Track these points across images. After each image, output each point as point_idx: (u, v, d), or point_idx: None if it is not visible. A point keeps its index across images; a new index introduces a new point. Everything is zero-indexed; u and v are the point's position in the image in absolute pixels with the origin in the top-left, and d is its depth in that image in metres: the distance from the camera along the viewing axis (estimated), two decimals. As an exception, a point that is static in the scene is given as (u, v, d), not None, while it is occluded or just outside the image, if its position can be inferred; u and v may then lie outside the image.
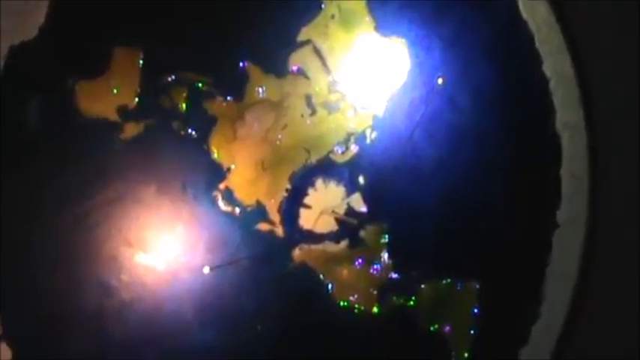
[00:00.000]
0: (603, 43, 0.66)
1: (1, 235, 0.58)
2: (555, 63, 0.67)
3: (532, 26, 0.66)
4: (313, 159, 0.64)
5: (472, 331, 0.67)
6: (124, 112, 0.60)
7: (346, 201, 0.64)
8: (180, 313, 0.61)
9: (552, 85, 0.67)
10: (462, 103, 0.65)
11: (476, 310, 0.67)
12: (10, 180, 0.58)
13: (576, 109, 0.67)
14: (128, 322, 0.60)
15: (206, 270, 0.60)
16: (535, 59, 0.66)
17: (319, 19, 0.63)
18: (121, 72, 0.60)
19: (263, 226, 0.63)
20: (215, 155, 0.62)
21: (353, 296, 0.65)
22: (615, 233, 0.66)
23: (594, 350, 0.68)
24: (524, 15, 0.66)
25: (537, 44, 0.66)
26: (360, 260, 0.65)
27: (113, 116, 0.60)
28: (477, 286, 0.67)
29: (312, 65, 0.63)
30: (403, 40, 0.64)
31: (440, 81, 0.62)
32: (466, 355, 0.67)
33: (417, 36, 0.64)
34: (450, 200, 0.66)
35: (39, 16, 0.59)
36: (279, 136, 0.63)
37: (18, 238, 0.59)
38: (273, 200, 0.63)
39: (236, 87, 0.62)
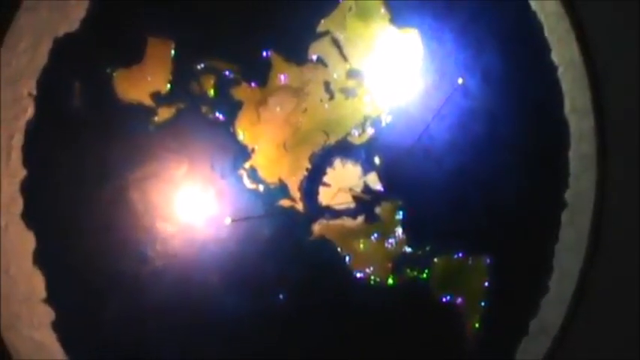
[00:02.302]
0: (609, 30, 0.69)
1: (49, 204, 0.64)
2: (563, 51, 0.70)
3: (541, 16, 0.69)
4: (332, 140, 0.68)
5: (483, 303, 0.70)
6: (157, 98, 0.66)
7: (363, 180, 0.68)
8: (208, 280, 0.67)
9: (560, 71, 0.70)
10: (474, 89, 0.69)
11: (487, 283, 0.70)
12: (58, 156, 0.64)
13: (584, 94, 0.70)
14: (161, 288, 0.66)
15: (227, 221, 0.64)
16: (544, 47, 0.69)
17: (337, 12, 0.67)
18: (155, 60, 0.66)
19: (285, 202, 0.68)
20: (241, 137, 0.67)
21: (369, 268, 0.69)
22: (621, 211, 0.69)
23: (599, 324, 0.70)
24: (534, 6, 0.69)
25: (546, 33, 0.69)
26: (375, 235, 0.69)
27: (147, 101, 0.66)
28: (488, 261, 0.70)
29: (330, 54, 0.67)
30: (416, 31, 0.68)
31: (460, 81, 0.66)
32: (477, 325, 0.70)
33: (430, 27, 0.69)
34: (462, 179, 0.70)
35: (81, 10, 0.64)
36: (300, 120, 0.67)
37: (64, 208, 0.65)
38: (294, 178, 0.68)
39: (260, 74, 0.67)
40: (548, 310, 0.73)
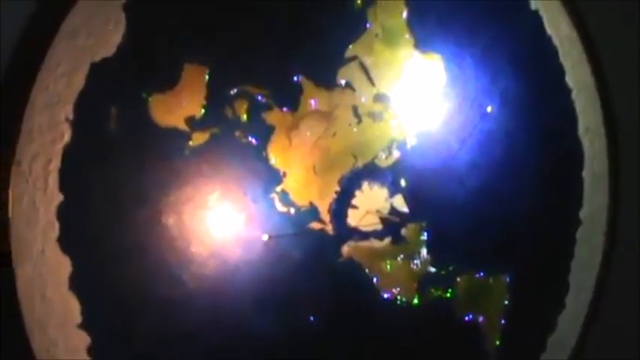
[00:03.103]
0: (622, 55, 0.98)
1: (83, 227, 0.88)
2: (577, 74, 0.98)
3: (556, 41, 0.98)
4: (360, 164, 0.94)
5: (503, 321, 0.98)
6: (192, 122, 0.90)
7: (389, 202, 0.95)
8: (240, 302, 0.91)
9: (574, 94, 0.99)
10: (493, 112, 0.97)
11: (506, 302, 0.98)
12: (94, 180, 0.88)
13: (596, 115, 0.99)
14: (195, 310, 0.89)
15: (265, 237, 0.90)
16: (559, 71, 0.98)
17: (365, 37, 0.93)
18: (190, 86, 0.90)
19: (315, 225, 0.93)
20: (272, 161, 0.92)
21: (395, 289, 0.96)
22: (632, 228, 0.99)
23: (613, 338, 1.00)
24: (549, 31, 0.98)
25: (561, 58, 0.98)
26: (401, 255, 0.96)
27: (182, 126, 0.90)
28: (508, 279, 0.98)
29: (358, 79, 0.93)
30: (439, 56, 0.96)
31: (489, 109, 0.94)
32: (497, 343, 0.98)
33: (452, 53, 0.95)
34: (483, 200, 0.96)
35: (117, 36, 0.89)
36: (329, 144, 0.93)
37: (99, 232, 0.88)
38: (324, 201, 0.93)
39: (291, 99, 0.92)
40: (564, 325, 1.01)
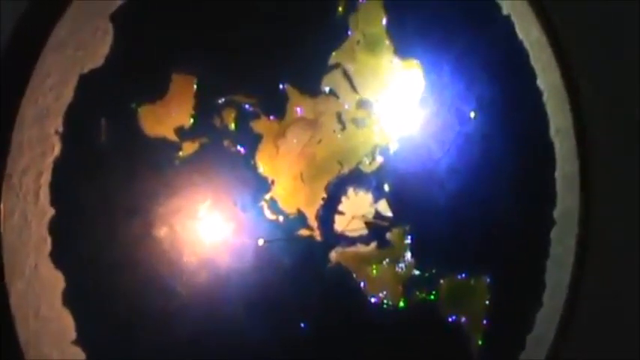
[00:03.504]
0: (589, 58, 1.18)
1: (76, 241, 1.01)
2: (547, 77, 1.17)
3: (527, 45, 1.17)
4: (345, 170, 1.10)
5: (485, 321, 1.17)
6: (182, 132, 1.05)
7: (374, 207, 1.12)
8: (233, 311, 1.06)
9: (545, 97, 1.18)
10: (468, 114, 1.15)
11: (487, 302, 1.17)
12: (85, 193, 1.01)
13: (565, 117, 1.19)
14: (189, 321, 1.02)
15: (261, 242, 1.05)
16: (531, 75, 1.17)
17: (347, 45, 1.09)
18: (178, 95, 1.04)
19: (304, 232, 1.09)
20: (261, 170, 1.07)
21: (382, 292, 1.13)
22: (605, 227, 1.19)
23: (589, 334, 1.19)
24: (520, 35, 1.17)
25: (532, 62, 1.18)
26: (387, 260, 1.13)
27: (172, 136, 1.04)
28: (488, 280, 1.17)
29: (341, 86, 1.09)
30: (418, 62, 1.13)
31: (472, 114, 1.12)
32: (480, 342, 1.16)
33: (429, 59, 1.13)
34: (462, 203, 1.13)
35: (105, 47, 1.03)
36: (315, 151, 1.09)
37: (92, 246, 1.02)
38: (311, 208, 1.09)
39: (278, 107, 1.08)
40: (542, 324, 1.21)
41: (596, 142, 1.08)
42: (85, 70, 0.94)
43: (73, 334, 0.96)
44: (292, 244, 0.96)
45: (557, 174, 1.12)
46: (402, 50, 1.03)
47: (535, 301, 1.12)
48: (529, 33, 1.07)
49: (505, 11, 1.06)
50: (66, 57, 0.92)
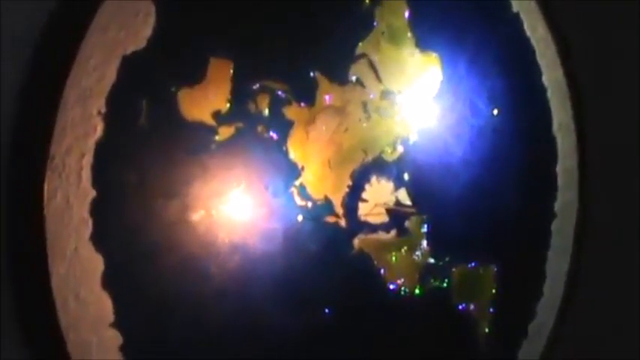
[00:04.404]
0: (591, 55, 1.32)
1: (115, 223, 1.08)
2: (551, 74, 1.31)
3: (533, 42, 1.30)
4: (369, 158, 1.21)
5: (491, 310, 1.29)
6: (218, 117, 1.14)
7: (395, 195, 1.23)
8: (262, 295, 1.14)
9: (549, 93, 1.32)
10: (482, 110, 1.28)
11: (494, 291, 1.29)
12: (125, 175, 1.08)
13: (567, 114, 1.33)
14: (222, 304, 1.11)
15: (300, 218, 1.13)
16: (537, 72, 1.30)
17: (372, 35, 1.20)
18: (216, 80, 1.13)
19: (330, 219, 1.19)
20: (292, 156, 1.16)
21: (400, 279, 1.24)
22: (603, 219, 1.33)
23: (586, 324, 1.33)
24: (528, 32, 1.30)
25: (538, 58, 1.31)
26: (405, 247, 1.24)
27: (209, 120, 1.12)
28: (495, 269, 1.29)
29: (367, 76, 1.20)
30: (437, 55, 1.25)
31: (495, 112, 1.24)
32: (486, 330, 1.29)
33: (447, 52, 1.25)
34: (474, 194, 1.26)
35: (147, 29, 1.10)
36: (342, 138, 1.20)
37: (130, 228, 1.09)
38: (337, 195, 1.20)
39: (308, 94, 1.18)
40: (543, 313, 1.34)
41: (595, 138, 1.20)
42: (128, 52, 0.99)
43: (111, 317, 1.00)
44: (319, 228, 1.05)
45: (558, 168, 1.23)
46: (422, 43, 1.12)
47: (536, 291, 1.22)
48: (535, 30, 1.18)
49: (514, 9, 1.16)
50: (109, 38, 0.98)
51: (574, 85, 1.23)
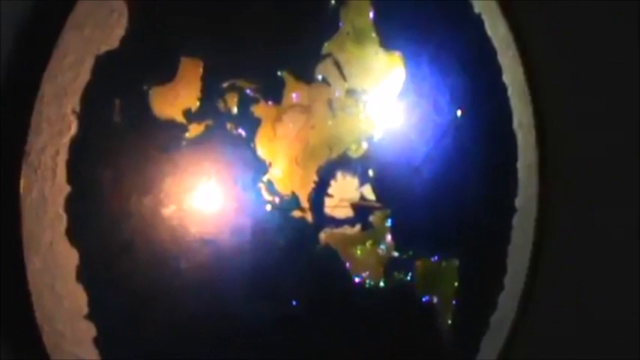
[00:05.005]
0: (551, 55, 1.43)
1: (90, 218, 1.17)
2: (511, 72, 1.42)
3: (495, 42, 1.41)
4: (334, 155, 1.31)
5: (454, 302, 1.40)
6: (189, 114, 1.23)
7: (359, 191, 1.33)
8: (231, 287, 1.22)
9: (510, 91, 1.42)
10: (444, 107, 1.38)
11: (456, 284, 1.40)
12: (100, 171, 1.17)
13: (527, 111, 1.43)
14: (192, 298, 1.19)
15: (264, 205, 1.21)
16: (498, 70, 1.41)
17: (338, 35, 1.30)
18: (186, 79, 1.22)
19: (297, 213, 1.29)
20: (260, 152, 1.26)
21: (365, 273, 1.34)
22: (562, 214, 1.44)
23: (546, 316, 1.43)
24: (489, 33, 1.40)
25: (499, 57, 1.41)
26: (370, 241, 1.34)
27: (180, 118, 1.21)
28: (457, 263, 1.40)
29: (332, 74, 1.30)
30: (400, 54, 1.35)
31: (459, 113, 1.34)
32: (449, 322, 1.39)
33: (410, 51, 1.35)
34: (436, 188, 1.36)
35: (120, 29, 1.19)
36: (309, 136, 1.29)
37: (104, 223, 1.18)
38: (304, 190, 1.29)
39: (275, 93, 1.27)
40: (504, 305, 1.44)
41: (554, 135, 1.30)
42: (101, 51, 1.08)
43: (85, 310, 1.07)
44: (286, 223, 1.14)
45: (519, 164, 1.32)
46: (386, 43, 1.22)
47: (497, 284, 1.31)
48: (497, 30, 1.28)
49: (476, 10, 1.26)
50: (83, 37, 1.06)
51: (533, 84, 1.30)
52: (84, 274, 1.10)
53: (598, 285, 1.33)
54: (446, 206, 1.30)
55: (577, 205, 1.31)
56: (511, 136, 1.33)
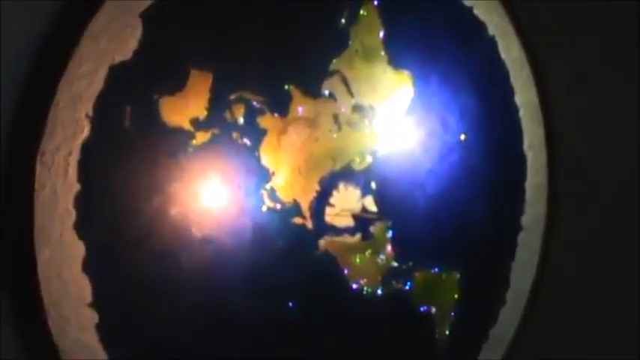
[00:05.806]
0: (563, 78, 1.55)
1: (97, 215, 1.35)
2: (524, 94, 1.55)
3: (508, 64, 1.55)
4: (337, 166, 1.46)
5: (453, 313, 1.54)
6: (196, 123, 1.40)
7: (361, 202, 1.49)
8: (229, 285, 1.36)
9: (521, 113, 1.56)
10: (452, 125, 1.52)
11: (456, 296, 1.54)
12: (109, 172, 1.34)
13: (538, 132, 1.57)
14: (193, 292, 1.37)
15: (264, 208, 1.38)
16: (510, 91, 1.55)
17: (347, 53, 1.44)
18: (195, 90, 1.39)
19: (297, 220, 1.45)
20: (264, 161, 1.42)
21: (362, 280, 1.49)
22: (567, 234, 1.56)
23: (547, 332, 1.57)
24: (503, 54, 1.55)
25: (512, 79, 1.55)
26: (369, 250, 1.50)
27: (187, 126, 1.38)
28: (458, 276, 1.54)
29: (339, 90, 1.44)
30: (409, 73, 1.50)
31: (462, 137, 1.48)
32: (447, 332, 1.53)
33: (419, 70, 1.50)
34: (440, 204, 1.51)
35: (133, 42, 1.38)
36: (313, 147, 1.45)
37: (112, 220, 1.35)
38: (305, 199, 1.45)
39: (282, 105, 1.43)
40: (504, 319, 1.58)
41: (565, 157, 1.43)
42: (115, 62, 1.24)
43: (89, 298, 1.24)
44: (287, 227, 1.30)
45: (527, 184, 1.44)
46: (395, 61, 1.36)
47: (499, 299, 1.44)
48: (510, 52, 1.41)
49: (490, 32, 1.40)
50: (99, 48, 1.23)
51: (546, 105, 1.42)
52: (89, 265, 1.24)
53: (601, 305, 1.43)
54: (449, 221, 1.42)
55: (585, 225, 1.41)
56: (521, 157, 1.44)
